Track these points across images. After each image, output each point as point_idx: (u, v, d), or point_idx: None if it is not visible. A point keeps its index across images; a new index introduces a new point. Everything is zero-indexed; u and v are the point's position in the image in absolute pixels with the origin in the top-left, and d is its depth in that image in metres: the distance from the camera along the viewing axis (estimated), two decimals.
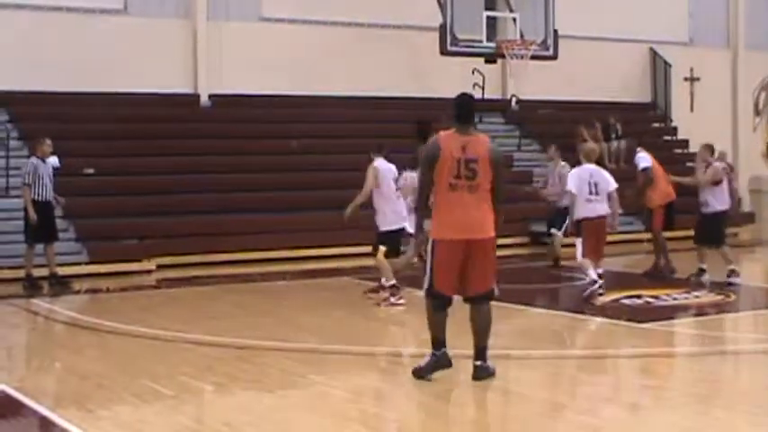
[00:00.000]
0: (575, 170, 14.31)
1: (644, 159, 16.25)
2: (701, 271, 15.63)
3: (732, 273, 15.28)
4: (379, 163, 13.96)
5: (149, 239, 18.63)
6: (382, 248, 13.56)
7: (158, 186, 20.04)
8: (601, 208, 13.73)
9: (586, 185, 13.76)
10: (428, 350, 8.96)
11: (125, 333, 11.76)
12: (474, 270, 8.76)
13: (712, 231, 15.46)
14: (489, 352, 8.93)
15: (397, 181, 15.14)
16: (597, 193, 13.74)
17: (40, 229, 15.93)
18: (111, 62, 21.54)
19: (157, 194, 19.86)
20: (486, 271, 8.84)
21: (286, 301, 14.96)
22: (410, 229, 12.74)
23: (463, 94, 9.29)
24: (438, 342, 8.93)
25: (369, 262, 18.63)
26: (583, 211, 13.79)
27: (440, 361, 8.90)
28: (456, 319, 9.03)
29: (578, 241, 14.11)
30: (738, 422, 7.74)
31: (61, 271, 16.56)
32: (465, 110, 9.10)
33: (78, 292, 16.00)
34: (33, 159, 16.17)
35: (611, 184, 13.88)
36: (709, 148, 16.04)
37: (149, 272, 17.87)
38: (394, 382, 9.32)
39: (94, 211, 18.95)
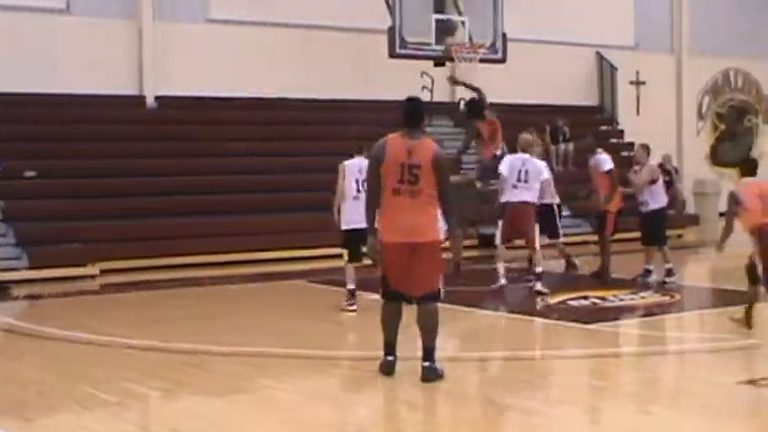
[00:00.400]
0: (508, 156, 15.36)
1: (606, 161, 15.81)
2: (647, 272, 15.75)
3: (669, 272, 15.44)
4: (350, 161, 13.78)
5: (92, 243, 18.40)
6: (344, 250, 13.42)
7: (102, 189, 19.83)
8: (526, 194, 14.50)
9: (516, 172, 14.53)
10: (379, 353, 8.91)
11: (66, 339, 11.57)
12: (420, 271, 8.81)
13: (653, 230, 15.67)
14: (437, 353, 8.89)
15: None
16: (526, 181, 14.50)
17: None
18: (53, 62, 21.27)
19: (101, 197, 19.64)
20: (431, 272, 8.91)
21: (234, 304, 14.83)
22: None
23: (411, 98, 9.31)
24: (388, 346, 9.01)
25: (319, 264, 18.67)
26: (508, 195, 14.56)
27: (385, 367, 8.99)
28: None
29: (500, 223, 14.94)
30: (683, 421, 7.76)
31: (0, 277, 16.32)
32: (412, 114, 9.09)
33: (17, 298, 15.74)
34: None
35: (543, 173, 14.79)
36: (646, 149, 16.19)
37: (93, 277, 17.66)
38: (344, 385, 9.26)
39: (35, 214, 18.66)
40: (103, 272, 17.80)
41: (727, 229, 10.95)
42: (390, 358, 9.03)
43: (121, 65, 22.36)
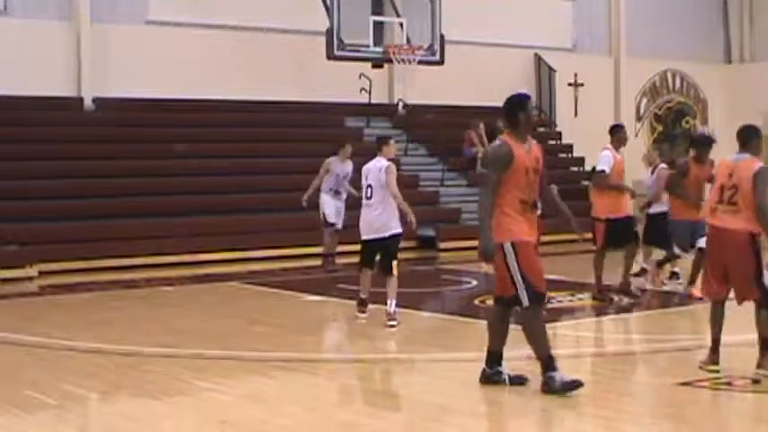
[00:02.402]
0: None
1: (604, 160, 13.97)
2: (643, 270, 15.85)
3: (642, 271, 15.65)
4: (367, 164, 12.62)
5: (31, 245, 18.26)
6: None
7: (40, 191, 19.68)
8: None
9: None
10: (323, 354, 8.93)
11: (5, 341, 11.50)
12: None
13: (659, 232, 15.37)
14: (382, 356, 8.93)
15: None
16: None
17: None
18: None
19: (39, 199, 19.50)
20: None
21: (172, 306, 14.79)
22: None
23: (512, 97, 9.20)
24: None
25: (256, 266, 18.68)
26: None
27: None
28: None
29: None
30: (622, 422, 7.86)
31: None
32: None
33: None
34: None
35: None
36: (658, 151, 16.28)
37: (31, 278, 17.51)
38: (281, 386, 9.27)
39: None
40: (42, 274, 17.66)
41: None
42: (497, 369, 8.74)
43: (59, 66, 22.16)
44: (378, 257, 12.24)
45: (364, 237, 12.28)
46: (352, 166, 17.70)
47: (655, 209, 15.45)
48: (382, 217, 12.05)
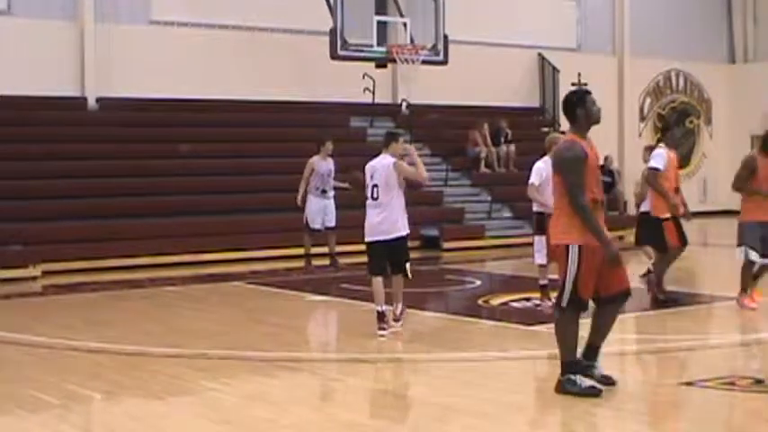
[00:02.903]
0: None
1: (657, 158, 13.49)
2: (650, 271, 15.81)
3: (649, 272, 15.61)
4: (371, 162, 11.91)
5: (34, 245, 18.27)
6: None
7: (43, 191, 19.68)
8: None
9: None
10: (327, 354, 8.92)
11: (8, 341, 11.49)
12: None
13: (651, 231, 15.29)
14: (385, 356, 8.91)
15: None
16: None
17: None
18: None
19: (43, 199, 19.50)
20: None
21: (175, 306, 14.79)
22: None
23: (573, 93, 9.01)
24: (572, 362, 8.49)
25: (259, 266, 18.67)
26: None
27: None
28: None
29: None
30: (625, 422, 7.85)
31: None
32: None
33: None
34: None
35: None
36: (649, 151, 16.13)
37: (34, 278, 17.52)
38: (285, 387, 9.26)
39: None
40: (45, 273, 17.67)
41: None
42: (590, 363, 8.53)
43: (63, 66, 22.19)
44: (388, 262, 11.55)
45: (369, 239, 11.57)
46: (333, 162, 17.90)
47: (645, 207, 15.39)
48: (390, 218, 11.46)
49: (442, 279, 17.32)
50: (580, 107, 8.59)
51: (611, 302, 8.48)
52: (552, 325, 12.18)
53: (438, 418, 8.00)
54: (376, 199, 11.49)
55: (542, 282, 13.23)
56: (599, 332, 8.55)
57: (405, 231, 11.57)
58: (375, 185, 11.52)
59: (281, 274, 17.70)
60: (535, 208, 13.39)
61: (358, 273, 17.17)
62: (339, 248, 18.08)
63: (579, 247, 8.15)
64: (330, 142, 17.90)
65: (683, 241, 13.47)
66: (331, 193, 17.79)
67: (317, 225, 17.72)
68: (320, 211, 17.71)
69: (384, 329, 11.31)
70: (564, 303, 8.26)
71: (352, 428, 7.75)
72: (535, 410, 8.33)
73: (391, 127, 24.91)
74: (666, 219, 13.32)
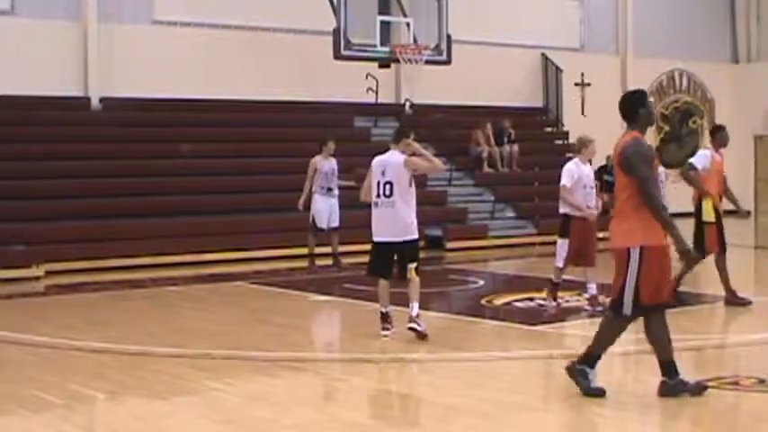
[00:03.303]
0: None
1: (700, 158, 13.13)
2: None
3: None
4: (377, 158, 11.48)
5: (37, 245, 18.27)
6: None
7: (46, 191, 19.69)
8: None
9: None
10: (330, 354, 8.91)
11: (11, 341, 11.50)
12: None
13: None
14: (388, 356, 8.89)
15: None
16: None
17: None
18: None
19: (45, 199, 19.51)
20: None
21: (177, 306, 14.79)
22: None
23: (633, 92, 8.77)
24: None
25: (261, 266, 18.68)
26: None
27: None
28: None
29: None
30: (629, 422, 7.84)
31: None
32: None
33: None
34: None
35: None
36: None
37: (37, 278, 17.52)
38: (288, 387, 9.26)
39: None
40: (48, 273, 17.67)
41: None
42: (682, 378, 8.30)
43: (66, 66, 22.19)
44: (394, 265, 11.18)
45: (379, 238, 11.15)
46: (336, 162, 17.92)
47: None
48: (405, 218, 11.04)
49: (446, 279, 17.30)
50: (642, 106, 8.41)
51: (654, 311, 8.27)
52: (557, 324, 12.28)
53: (441, 418, 7.99)
54: (388, 196, 11.02)
55: (556, 280, 13.19)
56: (659, 343, 8.33)
57: (416, 234, 11.19)
58: (388, 183, 11.03)
59: (283, 274, 17.69)
60: (561, 210, 12.98)
61: (361, 273, 17.20)
62: (342, 248, 18.08)
63: (641, 248, 8.01)
64: (332, 142, 17.88)
65: (723, 248, 13.18)
66: (336, 192, 17.79)
67: (323, 224, 17.70)
68: (327, 209, 17.70)
69: (388, 330, 11.13)
70: (627, 311, 8.09)
71: (354, 428, 7.75)
72: (538, 411, 8.32)
73: (395, 127, 24.96)
74: (710, 222, 13.07)
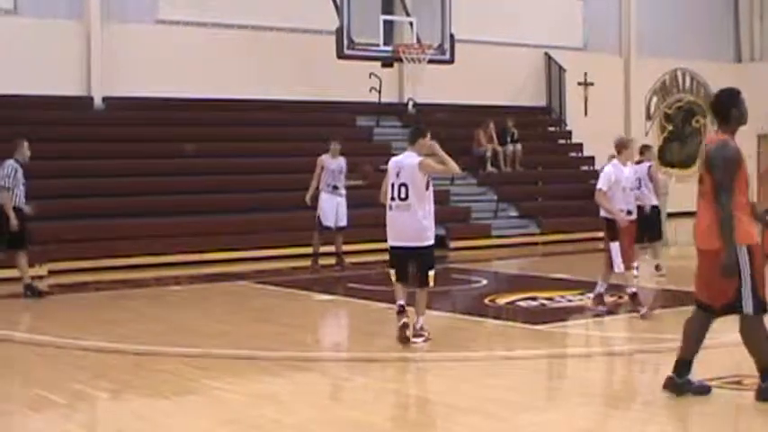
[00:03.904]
0: None
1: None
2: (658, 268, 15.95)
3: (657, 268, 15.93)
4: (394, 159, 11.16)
5: (40, 244, 18.24)
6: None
7: (50, 190, 19.63)
8: None
9: None
10: (333, 353, 8.91)
11: (14, 340, 11.52)
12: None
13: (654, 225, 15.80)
14: (388, 355, 8.89)
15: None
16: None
17: (18, 236, 15.28)
18: (0, 63, 21.08)
19: (49, 198, 19.42)
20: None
21: (181, 306, 14.79)
22: None
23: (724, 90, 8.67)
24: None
25: (265, 265, 18.68)
26: None
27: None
28: None
29: None
30: (632, 422, 7.84)
31: None
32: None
33: None
34: (13, 162, 15.49)
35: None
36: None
37: (40, 278, 17.48)
38: (291, 386, 9.26)
39: None
40: (51, 273, 17.67)
41: None
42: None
43: (69, 66, 22.20)
44: (411, 269, 10.83)
45: (394, 243, 10.79)
46: (344, 160, 17.83)
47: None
48: (419, 222, 10.62)
49: (449, 278, 17.29)
50: (735, 107, 8.31)
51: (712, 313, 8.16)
52: (559, 323, 12.27)
53: (445, 418, 7.99)
54: (404, 199, 10.61)
55: (631, 290, 12.79)
56: (697, 346, 8.25)
57: (432, 240, 10.75)
58: (403, 185, 10.64)
59: (286, 274, 17.70)
60: (603, 213, 12.76)
61: (364, 272, 17.21)
62: (347, 248, 18.07)
63: (747, 247, 7.84)
64: (336, 142, 17.80)
65: None
66: (343, 191, 17.74)
67: (329, 222, 17.65)
68: (333, 208, 17.64)
69: (405, 318, 10.68)
70: (750, 310, 7.88)
71: (358, 428, 7.75)
72: (541, 410, 8.32)
73: (398, 126, 24.99)
74: None
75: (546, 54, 29.03)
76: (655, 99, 32.11)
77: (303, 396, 8.79)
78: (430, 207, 10.70)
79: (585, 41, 30.35)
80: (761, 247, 8.01)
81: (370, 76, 24.28)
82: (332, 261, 17.99)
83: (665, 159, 31.28)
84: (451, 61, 23.84)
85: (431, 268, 10.75)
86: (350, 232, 17.89)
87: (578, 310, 13.24)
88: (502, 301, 14.02)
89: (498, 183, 24.74)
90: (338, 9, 22.41)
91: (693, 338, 8.22)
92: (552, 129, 28.90)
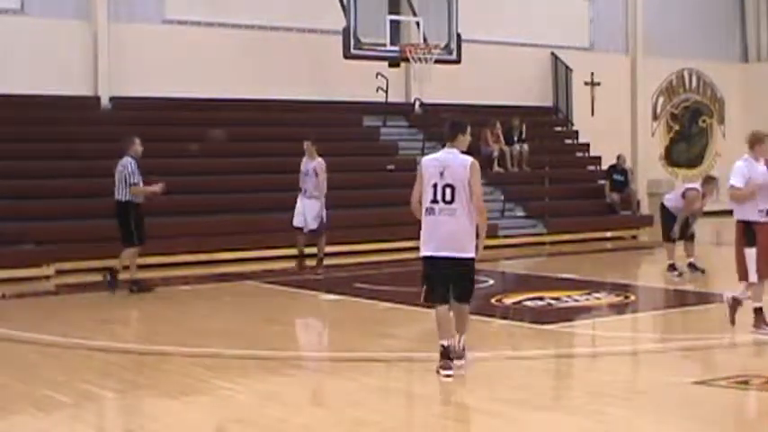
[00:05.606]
0: None
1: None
2: (673, 267, 16.08)
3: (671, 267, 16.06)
4: (428, 158, 9.56)
5: (47, 244, 18.28)
6: None
7: (57, 190, 19.71)
8: None
9: None
10: (340, 353, 8.92)
11: (22, 340, 11.52)
12: None
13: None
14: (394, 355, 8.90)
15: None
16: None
17: (138, 230, 15.97)
18: (7, 63, 21.11)
19: (56, 198, 19.53)
20: None
21: (188, 305, 14.81)
22: None
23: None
24: None
25: (272, 265, 18.68)
26: None
27: None
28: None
29: None
30: (639, 421, 7.84)
31: None
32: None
33: None
34: (130, 159, 16.09)
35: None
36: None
37: (48, 277, 17.54)
38: (298, 386, 9.27)
39: None
40: (58, 272, 17.69)
41: None
42: None
43: (76, 65, 22.21)
44: (449, 285, 9.35)
45: (431, 252, 9.28)
46: (316, 162, 17.70)
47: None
48: (464, 231, 9.21)
49: None
50: None
51: None
52: (566, 323, 12.26)
53: (451, 417, 8.00)
54: (449, 202, 9.16)
55: (757, 304, 11.15)
56: None
57: (473, 253, 9.28)
58: (449, 186, 9.17)
59: (294, 274, 17.70)
60: (739, 216, 11.31)
61: (371, 272, 17.20)
62: (350, 248, 18.06)
63: None
64: (308, 143, 17.76)
65: None
66: (312, 194, 17.64)
67: (298, 224, 17.71)
68: (300, 210, 17.68)
69: (449, 370, 9.14)
70: None
71: (363, 427, 7.75)
72: (547, 409, 8.32)
73: (404, 126, 25.01)
74: None
75: (552, 54, 29.01)
76: (661, 99, 31.99)
77: (309, 396, 8.80)
78: (474, 216, 9.24)
79: (592, 41, 30.32)
80: None
81: (376, 76, 24.27)
82: (336, 262, 18.03)
83: (672, 159, 31.21)
84: (458, 61, 23.82)
85: (473, 285, 9.52)
86: (352, 232, 17.85)
87: (585, 310, 13.25)
88: (509, 300, 14.02)
89: (505, 182, 24.71)
90: (345, 9, 22.40)
91: None
92: (559, 128, 28.87)
